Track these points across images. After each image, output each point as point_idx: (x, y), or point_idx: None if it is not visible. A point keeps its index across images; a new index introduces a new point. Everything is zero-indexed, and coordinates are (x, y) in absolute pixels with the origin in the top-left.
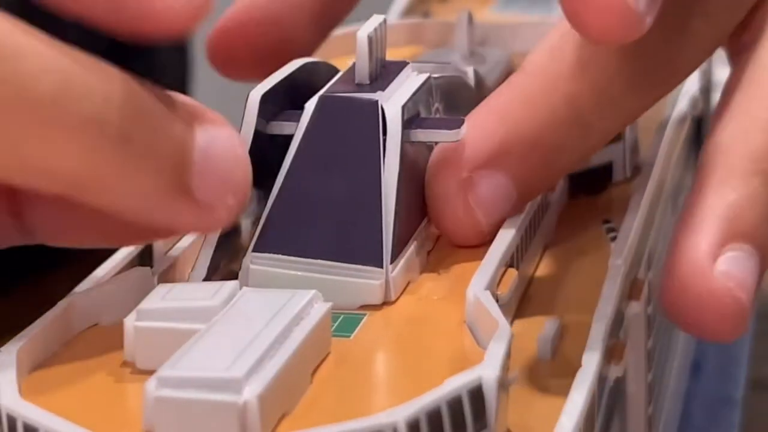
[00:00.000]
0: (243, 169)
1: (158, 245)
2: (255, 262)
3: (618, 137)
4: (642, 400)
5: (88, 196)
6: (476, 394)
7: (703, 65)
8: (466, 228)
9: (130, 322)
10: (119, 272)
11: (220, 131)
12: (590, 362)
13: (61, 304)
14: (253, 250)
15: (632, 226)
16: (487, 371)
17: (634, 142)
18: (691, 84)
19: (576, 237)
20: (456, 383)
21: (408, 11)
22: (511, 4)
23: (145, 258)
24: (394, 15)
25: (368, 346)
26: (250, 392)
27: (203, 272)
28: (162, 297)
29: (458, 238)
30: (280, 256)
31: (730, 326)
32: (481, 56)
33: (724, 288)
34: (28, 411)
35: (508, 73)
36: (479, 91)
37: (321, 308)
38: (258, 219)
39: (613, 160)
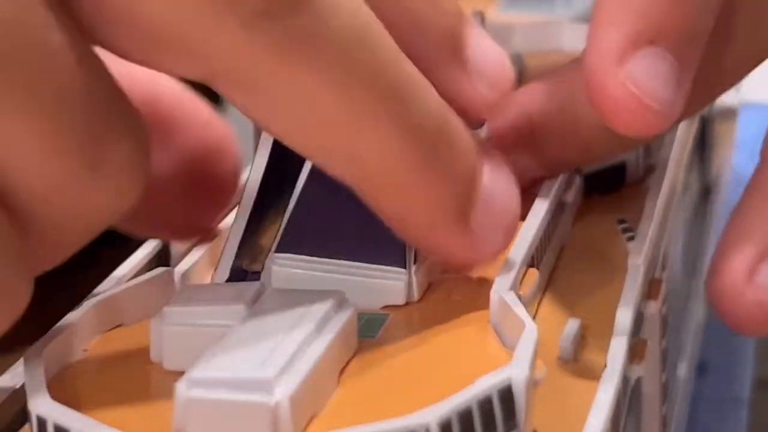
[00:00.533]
0: (516, 210)
1: (176, 245)
2: (277, 263)
3: None
4: (657, 401)
5: (381, 194)
6: (506, 394)
7: None
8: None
9: (157, 322)
10: (138, 273)
11: (502, 169)
12: (615, 362)
13: (86, 305)
14: (276, 251)
15: (650, 226)
16: (516, 371)
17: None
18: None
19: (592, 236)
20: (486, 383)
21: None
22: (515, 5)
23: (162, 258)
24: None
25: (393, 347)
26: (282, 393)
27: (227, 273)
28: (188, 298)
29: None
30: (302, 257)
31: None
32: None
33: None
34: (58, 412)
35: (521, 72)
36: None
37: (347, 309)
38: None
39: (626, 160)
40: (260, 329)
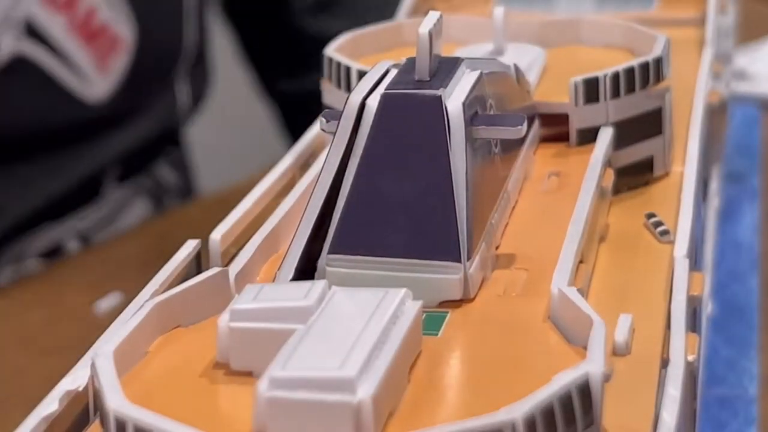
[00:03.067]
0: None
1: (214, 246)
2: (331, 264)
3: (658, 131)
4: (701, 389)
5: None
6: (584, 389)
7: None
8: None
9: (224, 322)
10: (180, 272)
11: None
12: (678, 358)
13: (146, 307)
14: (329, 252)
15: (689, 220)
16: (593, 367)
17: (671, 136)
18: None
19: (624, 231)
20: (565, 380)
21: (413, 11)
22: (513, 2)
23: (199, 257)
24: (401, 16)
25: (457, 344)
26: (364, 392)
27: (290, 272)
28: (254, 297)
29: None
30: (356, 257)
31: None
32: (515, 52)
33: None
34: (138, 414)
35: (544, 68)
36: (521, 86)
37: (413, 306)
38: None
39: (653, 154)
40: (332, 328)
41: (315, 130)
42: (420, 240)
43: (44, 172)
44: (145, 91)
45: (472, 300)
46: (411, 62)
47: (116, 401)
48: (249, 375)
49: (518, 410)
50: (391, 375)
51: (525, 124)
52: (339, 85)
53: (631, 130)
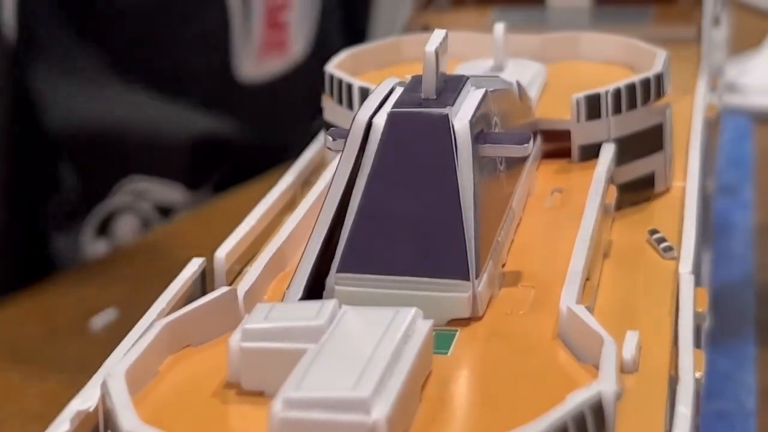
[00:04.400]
0: None
1: (219, 264)
2: (340, 283)
3: (659, 147)
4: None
5: None
6: (597, 408)
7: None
8: None
9: (235, 342)
10: (186, 292)
11: None
12: (686, 374)
13: (156, 327)
14: (338, 271)
15: (693, 236)
16: (605, 386)
17: (672, 152)
18: (703, 90)
19: (628, 247)
20: (578, 399)
21: (407, 27)
22: (507, 18)
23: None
24: (396, 31)
25: (467, 363)
26: (379, 412)
27: (300, 291)
28: (265, 317)
29: None
30: (364, 275)
31: None
32: (515, 67)
33: None
34: None
35: (544, 84)
36: (523, 103)
37: (424, 326)
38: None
39: (655, 170)
40: (344, 348)
41: (316, 147)
42: (428, 258)
43: None
44: None
45: (481, 318)
46: (416, 80)
47: (130, 422)
48: (261, 395)
49: (533, 430)
50: (404, 394)
51: (531, 142)
52: (340, 102)
53: (632, 147)
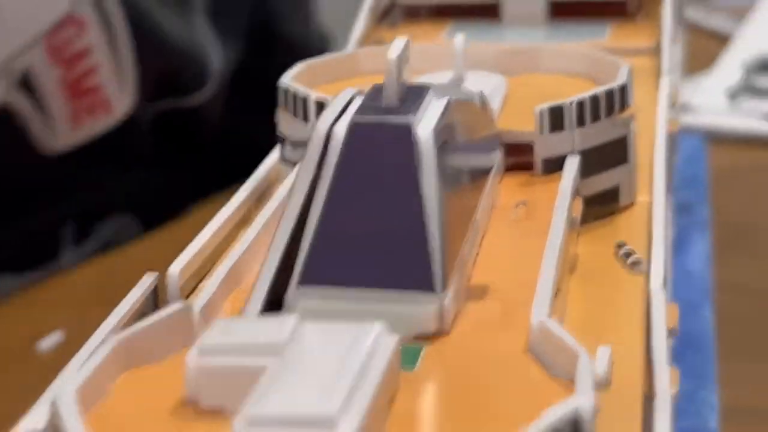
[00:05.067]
0: None
1: (172, 280)
2: (301, 297)
3: (624, 160)
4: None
5: None
6: (575, 424)
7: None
8: None
9: (193, 358)
10: (138, 309)
11: None
12: (663, 389)
13: (108, 344)
14: (298, 284)
15: (662, 251)
16: (583, 401)
17: (635, 166)
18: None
19: (594, 261)
20: (556, 414)
21: (363, 42)
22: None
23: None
24: (351, 45)
25: (436, 379)
26: (346, 429)
27: (258, 306)
28: (223, 332)
29: None
30: (326, 288)
31: None
32: (476, 80)
33: None
34: None
35: (505, 96)
36: (485, 114)
37: (390, 340)
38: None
39: (619, 183)
40: (308, 364)
41: (270, 161)
42: (393, 271)
43: None
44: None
45: (448, 333)
46: (377, 89)
47: None
48: (220, 413)
49: None
50: (372, 411)
51: (497, 152)
52: (295, 114)
53: (596, 159)
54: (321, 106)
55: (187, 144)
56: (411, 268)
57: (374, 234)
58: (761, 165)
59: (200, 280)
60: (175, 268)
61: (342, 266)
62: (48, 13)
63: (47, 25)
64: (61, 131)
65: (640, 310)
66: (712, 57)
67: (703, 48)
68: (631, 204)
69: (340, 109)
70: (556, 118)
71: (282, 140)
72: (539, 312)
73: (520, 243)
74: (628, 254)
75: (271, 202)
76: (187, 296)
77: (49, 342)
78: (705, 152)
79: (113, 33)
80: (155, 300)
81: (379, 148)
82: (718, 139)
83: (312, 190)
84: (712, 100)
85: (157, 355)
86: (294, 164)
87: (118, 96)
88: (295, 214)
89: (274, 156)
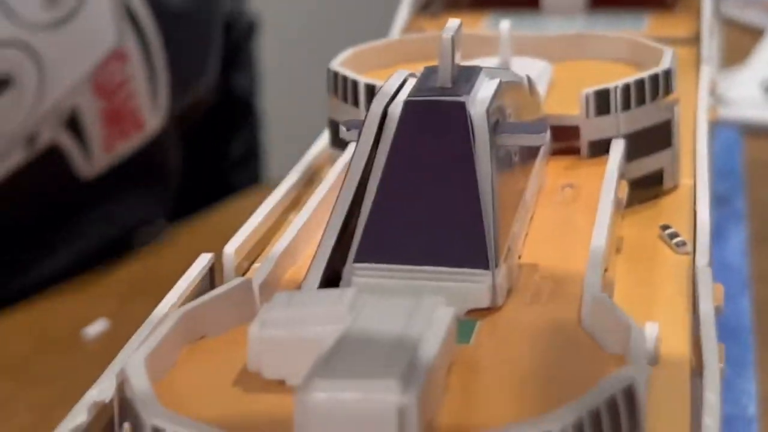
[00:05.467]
0: None
1: (228, 260)
2: (357, 273)
3: (667, 144)
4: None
5: None
6: (629, 394)
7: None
8: None
9: (256, 329)
10: (197, 286)
11: None
12: (711, 363)
13: (171, 317)
14: (354, 261)
15: (707, 230)
16: (637, 372)
17: (679, 149)
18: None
19: (639, 242)
20: (611, 384)
21: (404, 31)
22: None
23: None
24: (393, 34)
25: (491, 352)
26: (409, 394)
27: (317, 281)
28: (285, 304)
29: None
30: (381, 265)
31: None
32: (521, 65)
33: None
34: (178, 423)
35: (550, 82)
36: (533, 97)
37: (447, 313)
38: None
39: (663, 167)
40: (368, 334)
41: (318, 146)
42: (447, 247)
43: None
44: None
45: (500, 308)
46: (429, 70)
47: (153, 410)
48: (282, 383)
49: (568, 415)
50: (431, 380)
51: (548, 132)
52: (345, 100)
53: (641, 143)
54: (371, 90)
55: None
56: (465, 245)
57: (429, 211)
58: None
59: (252, 262)
60: (230, 248)
61: (397, 243)
62: (95, 51)
63: (95, 63)
64: (98, 158)
65: (685, 290)
66: (747, 51)
67: (738, 42)
68: (675, 187)
69: (394, 90)
70: (602, 101)
71: (332, 125)
72: (591, 287)
73: (567, 223)
74: (672, 236)
75: (323, 184)
76: (244, 275)
77: (94, 329)
78: (740, 145)
79: (151, 55)
80: (212, 279)
81: (433, 126)
82: (753, 131)
83: (368, 169)
84: (748, 93)
85: (219, 328)
86: (343, 148)
87: (151, 115)
88: (351, 192)
89: (323, 141)
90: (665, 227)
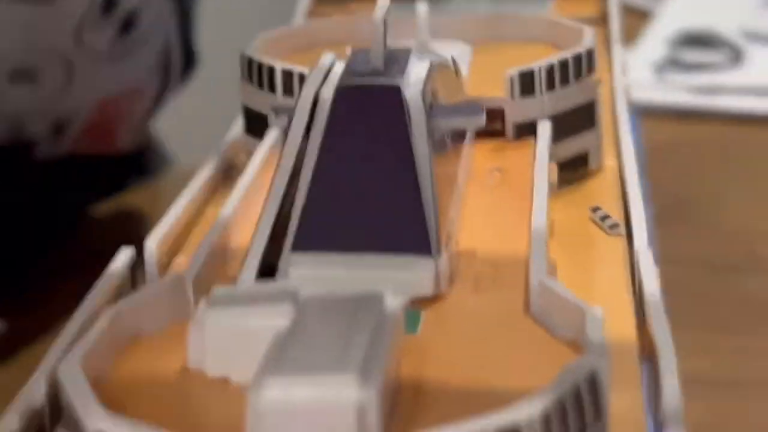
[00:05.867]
0: None
1: (150, 254)
2: (294, 263)
3: (592, 124)
4: None
5: None
6: (592, 383)
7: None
8: None
9: (197, 327)
10: (122, 283)
11: None
12: (666, 346)
13: (104, 317)
14: (292, 250)
15: (641, 211)
16: (598, 359)
17: (602, 130)
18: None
19: (571, 225)
20: (574, 373)
21: (306, 17)
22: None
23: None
24: (297, 20)
25: (440, 342)
26: (368, 390)
27: (253, 273)
28: (225, 299)
29: None
30: (320, 255)
31: None
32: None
33: None
34: (125, 429)
35: (470, 63)
36: (458, 80)
37: (397, 302)
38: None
39: (588, 148)
40: (318, 326)
41: (232, 134)
42: (387, 234)
43: None
44: None
45: (444, 297)
46: (357, 53)
47: (94, 414)
48: (226, 381)
49: (533, 407)
50: (387, 374)
51: (484, 114)
52: (261, 86)
53: (566, 124)
54: (288, 76)
55: None
56: (406, 231)
57: (367, 197)
58: (693, 138)
59: (173, 256)
60: (152, 242)
61: (335, 231)
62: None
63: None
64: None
65: (623, 272)
66: (635, 33)
67: (629, 26)
68: (600, 169)
69: (322, 74)
70: (526, 82)
71: (247, 113)
72: (538, 271)
73: (499, 207)
74: (603, 217)
75: (246, 173)
76: (165, 271)
77: None
78: (639, 128)
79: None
80: (133, 275)
81: (368, 110)
82: (648, 113)
83: (301, 156)
84: (639, 75)
85: (154, 326)
86: (259, 136)
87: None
88: (284, 179)
89: (236, 129)
90: (595, 209)
